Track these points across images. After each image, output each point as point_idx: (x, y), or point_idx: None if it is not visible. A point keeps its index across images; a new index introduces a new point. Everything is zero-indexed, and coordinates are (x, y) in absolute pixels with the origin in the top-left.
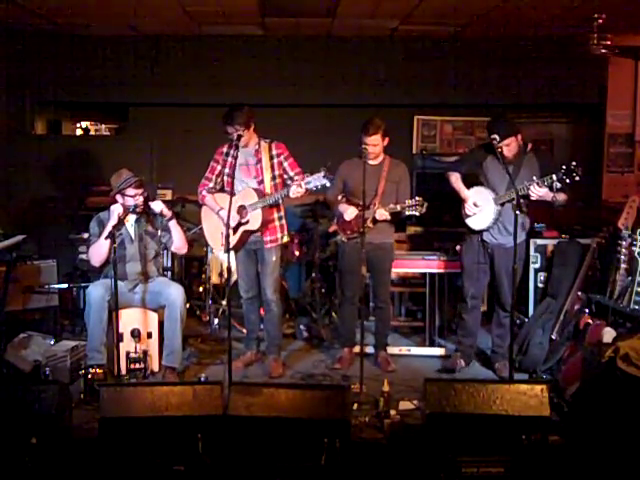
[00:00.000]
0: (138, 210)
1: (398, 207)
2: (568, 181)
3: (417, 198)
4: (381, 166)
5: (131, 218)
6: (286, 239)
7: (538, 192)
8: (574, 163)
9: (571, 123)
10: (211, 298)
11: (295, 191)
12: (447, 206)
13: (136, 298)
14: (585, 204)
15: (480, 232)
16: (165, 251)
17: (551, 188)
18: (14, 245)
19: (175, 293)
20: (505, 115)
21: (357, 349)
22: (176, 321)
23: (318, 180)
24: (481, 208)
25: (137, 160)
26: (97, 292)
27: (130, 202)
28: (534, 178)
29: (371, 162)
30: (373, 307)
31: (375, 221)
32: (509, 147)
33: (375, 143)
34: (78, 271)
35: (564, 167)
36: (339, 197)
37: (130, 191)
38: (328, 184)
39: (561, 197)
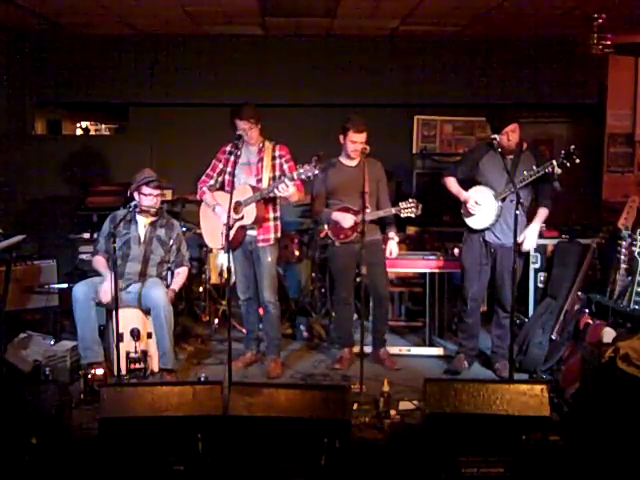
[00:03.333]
0: (155, 212)
1: (393, 210)
2: (568, 165)
3: (411, 200)
4: (360, 166)
5: (145, 220)
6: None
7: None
8: (573, 147)
9: (571, 123)
10: (211, 298)
11: (282, 188)
12: (447, 206)
13: (129, 297)
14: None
15: (482, 232)
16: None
17: (552, 175)
18: (14, 245)
19: (157, 295)
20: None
21: (357, 349)
22: (162, 323)
23: (310, 170)
24: (481, 206)
25: (137, 160)
26: (80, 291)
27: (144, 202)
28: (534, 167)
29: (349, 164)
30: (372, 307)
31: (372, 222)
32: (514, 133)
33: (364, 140)
34: (78, 271)
35: (563, 151)
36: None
37: (145, 189)
38: (320, 174)
39: (556, 184)
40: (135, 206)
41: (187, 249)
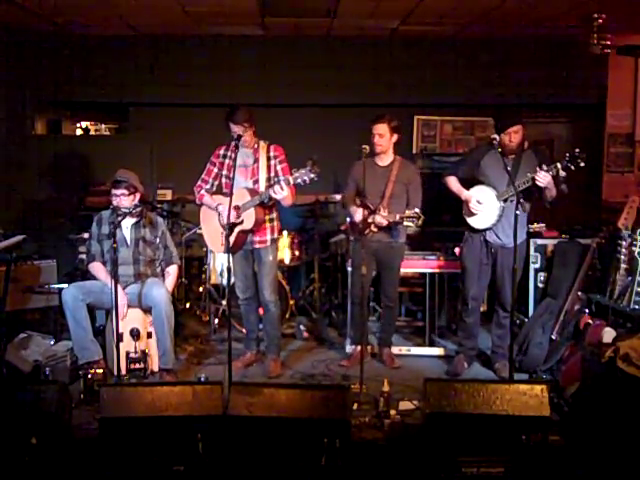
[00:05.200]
0: (135, 213)
1: (397, 217)
2: (573, 168)
3: (416, 210)
4: (390, 167)
5: (128, 222)
6: (286, 239)
7: (545, 177)
8: (577, 150)
9: (571, 123)
10: (211, 298)
11: (277, 190)
12: (447, 206)
13: (129, 298)
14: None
15: (483, 232)
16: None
17: (556, 178)
18: (14, 245)
19: (158, 294)
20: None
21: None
22: (162, 322)
23: (305, 175)
24: (483, 206)
25: (137, 160)
26: (69, 294)
27: (114, 201)
28: (537, 169)
29: (380, 163)
30: (373, 307)
31: (381, 226)
32: (517, 134)
33: (381, 133)
34: (78, 271)
35: (568, 154)
36: (355, 198)
37: (113, 190)
38: (316, 178)
39: (564, 187)
40: (114, 209)
41: (174, 245)
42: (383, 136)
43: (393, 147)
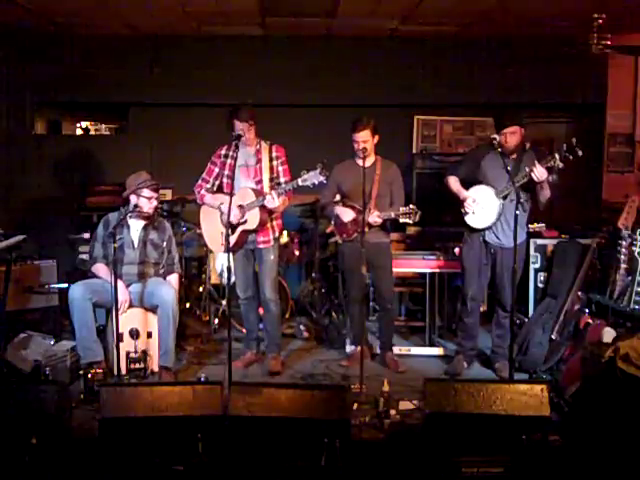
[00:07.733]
0: (147, 215)
1: (392, 214)
2: (571, 157)
3: (411, 206)
4: (374, 168)
5: (138, 224)
6: (286, 239)
7: (542, 174)
8: (574, 139)
9: (571, 123)
10: (211, 298)
11: (268, 201)
12: (447, 206)
13: (131, 297)
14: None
15: (482, 232)
16: None
17: (551, 170)
18: (14, 245)
19: (166, 293)
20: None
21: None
22: (168, 321)
23: (315, 177)
24: (482, 205)
25: (137, 160)
26: (77, 292)
27: (144, 203)
28: (535, 163)
29: (361, 163)
30: (373, 307)
31: (370, 226)
32: (513, 135)
33: (365, 139)
34: (78, 271)
35: (565, 144)
36: (336, 199)
37: (146, 192)
38: (325, 181)
39: (551, 185)
40: (135, 206)
41: (177, 251)
42: (367, 141)
43: (374, 147)
